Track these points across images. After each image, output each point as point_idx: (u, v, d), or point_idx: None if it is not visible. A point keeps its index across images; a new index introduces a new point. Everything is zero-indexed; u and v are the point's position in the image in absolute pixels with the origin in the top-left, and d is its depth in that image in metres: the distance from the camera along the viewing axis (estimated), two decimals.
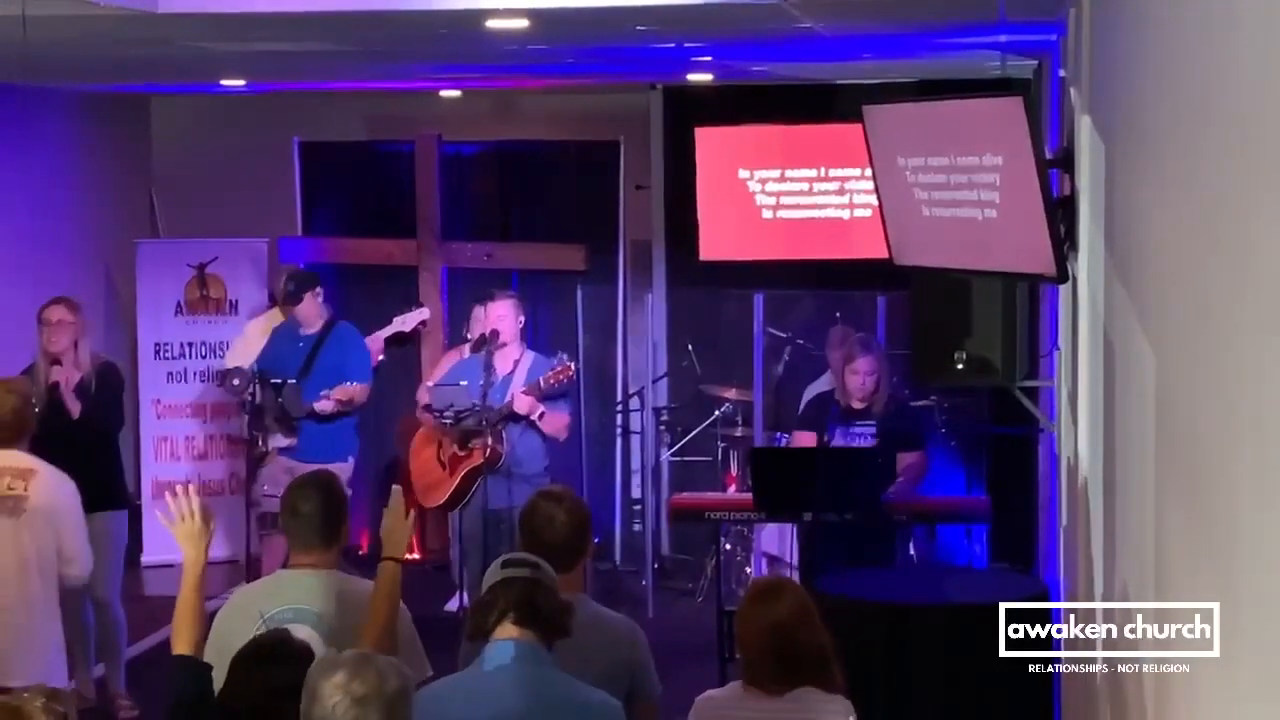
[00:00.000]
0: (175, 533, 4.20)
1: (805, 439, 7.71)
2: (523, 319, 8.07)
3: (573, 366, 7.95)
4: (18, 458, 5.68)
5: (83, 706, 7.28)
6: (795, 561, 8.18)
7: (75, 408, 7.20)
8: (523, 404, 7.79)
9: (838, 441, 7.52)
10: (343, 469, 7.74)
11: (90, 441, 7.19)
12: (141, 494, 10.03)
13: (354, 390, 8.15)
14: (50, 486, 5.69)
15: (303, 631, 4.28)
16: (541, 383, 7.77)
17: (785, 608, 3.94)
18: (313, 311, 8.39)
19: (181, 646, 4.03)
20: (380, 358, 9.02)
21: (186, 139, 11.51)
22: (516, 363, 7.95)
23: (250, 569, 8.23)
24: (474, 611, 3.73)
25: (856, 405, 7.54)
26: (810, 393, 8.59)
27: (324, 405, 8.17)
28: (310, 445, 8.17)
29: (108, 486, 7.29)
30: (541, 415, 7.84)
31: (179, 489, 4.26)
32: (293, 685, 3.57)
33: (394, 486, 4.49)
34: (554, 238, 9.99)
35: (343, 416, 8.26)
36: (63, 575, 5.79)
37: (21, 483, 5.63)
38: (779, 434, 8.93)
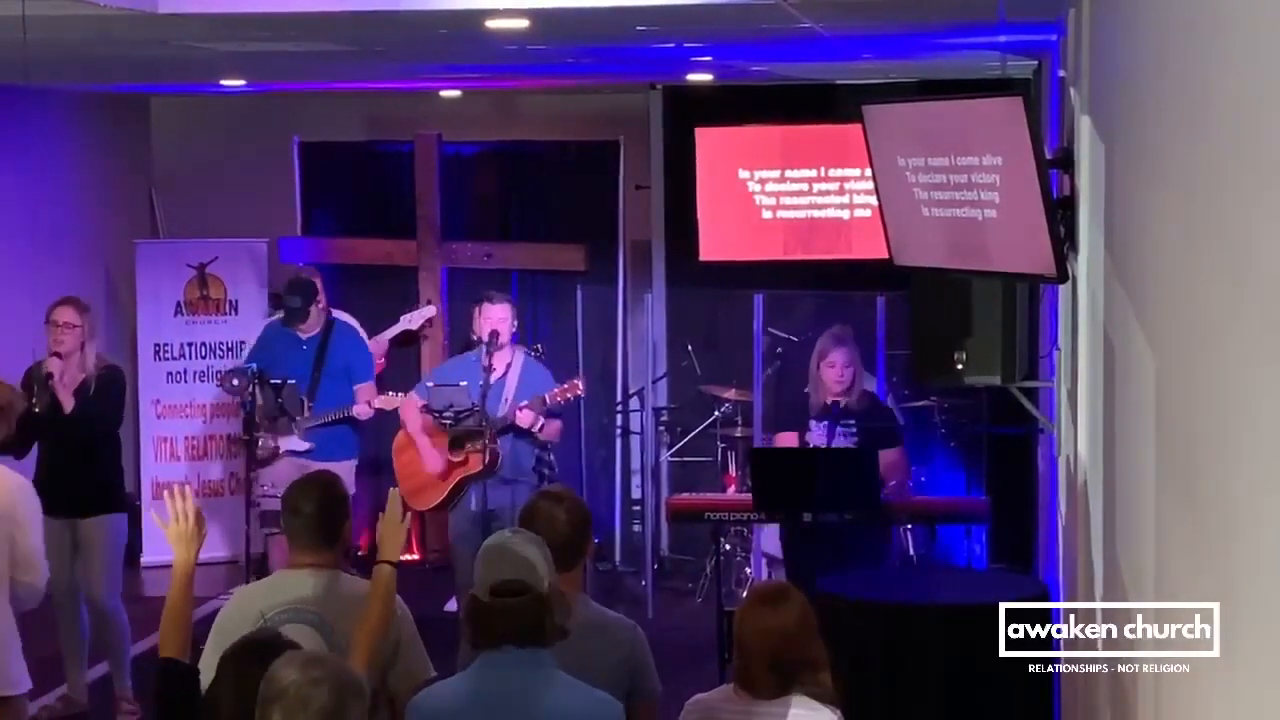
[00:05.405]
0: (168, 534, 4.21)
1: (786, 439, 7.70)
2: (516, 322, 8.11)
3: (580, 385, 8.00)
4: None
5: (75, 711, 7.30)
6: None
7: (69, 403, 7.13)
8: (525, 419, 7.85)
9: (820, 440, 7.47)
10: (347, 468, 7.86)
11: (86, 440, 7.17)
12: (141, 494, 10.03)
13: (397, 399, 8.22)
14: (1, 491, 5.40)
15: (302, 631, 4.28)
16: (547, 399, 7.84)
17: (789, 615, 3.91)
18: (313, 315, 8.42)
19: (168, 649, 4.02)
20: (381, 360, 9.03)
21: (186, 139, 11.51)
22: (509, 365, 7.99)
23: (250, 569, 8.23)
24: (470, 622, 3.73)
25: (833, 399, 7.45)
26: None
27: (363, 410, 8.28)
28: (317, 446, 8.27)
29: (107, 489, 7.29)
30: (541, 428, 7.91)
31: (176, 490, 4.27)
32: None
33: (391, 490, 4.50)
34: (554, 238, 9.99)
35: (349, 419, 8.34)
36: (14, 582, 5.32)
37: None
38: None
